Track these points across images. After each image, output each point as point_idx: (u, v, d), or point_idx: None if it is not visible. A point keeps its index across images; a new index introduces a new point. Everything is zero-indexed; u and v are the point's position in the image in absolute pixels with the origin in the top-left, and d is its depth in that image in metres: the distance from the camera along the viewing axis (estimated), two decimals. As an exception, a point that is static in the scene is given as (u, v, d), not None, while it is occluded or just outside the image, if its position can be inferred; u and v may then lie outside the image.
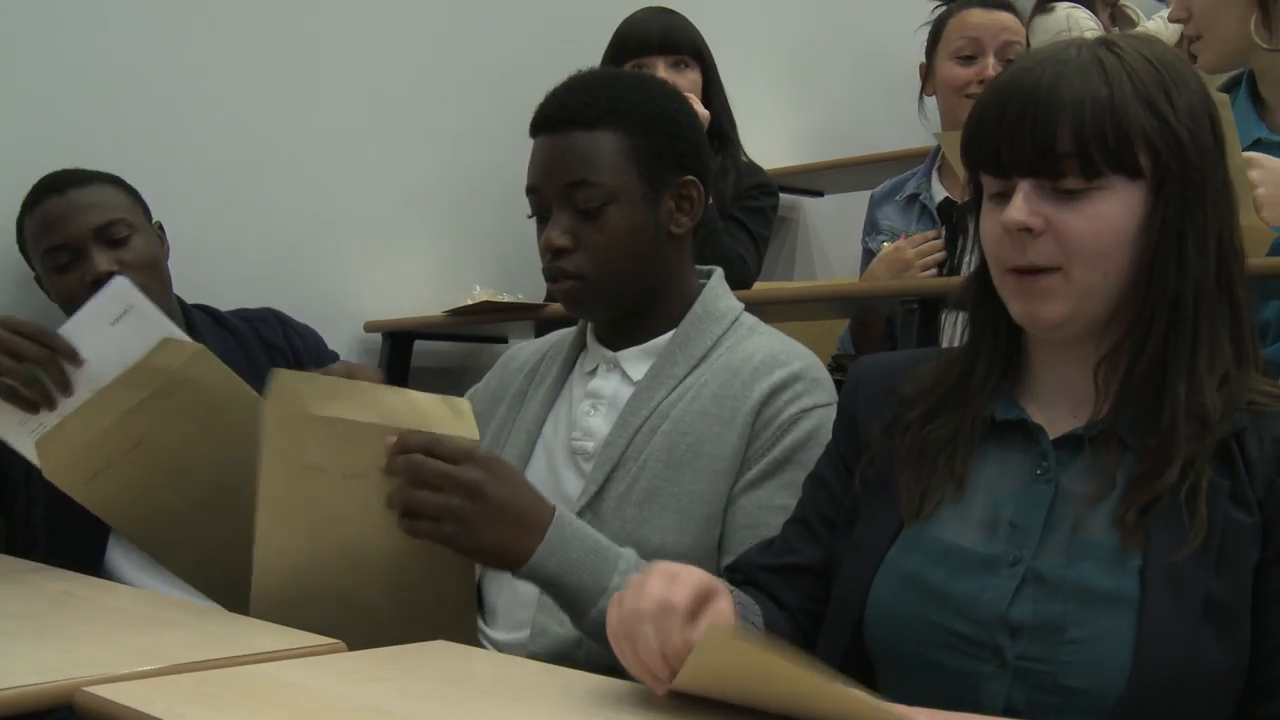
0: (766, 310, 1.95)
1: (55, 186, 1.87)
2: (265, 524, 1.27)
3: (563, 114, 1.38)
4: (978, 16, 2.41)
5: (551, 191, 1.38)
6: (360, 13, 2.58)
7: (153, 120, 2.28)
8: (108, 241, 1.82)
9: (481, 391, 1.58)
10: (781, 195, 3.28)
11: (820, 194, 3.35)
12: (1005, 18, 2.42)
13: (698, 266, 1.49)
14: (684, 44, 2.43)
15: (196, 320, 1.94)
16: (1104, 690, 0.90)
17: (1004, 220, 0.98)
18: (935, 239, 2.24)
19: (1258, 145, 1.70)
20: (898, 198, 2.49)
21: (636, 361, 1.42)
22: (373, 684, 0.94)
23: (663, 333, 1.43)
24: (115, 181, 1.92)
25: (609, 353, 1.44)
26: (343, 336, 2.47)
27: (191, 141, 2.33)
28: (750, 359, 1.36)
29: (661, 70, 2.39)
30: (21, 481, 1.80)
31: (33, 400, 1.44)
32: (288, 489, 1.26)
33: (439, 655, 1.05)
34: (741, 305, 1.47)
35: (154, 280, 1.84)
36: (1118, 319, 1.00)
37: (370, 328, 2.58)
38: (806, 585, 1.12)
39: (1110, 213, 0.97)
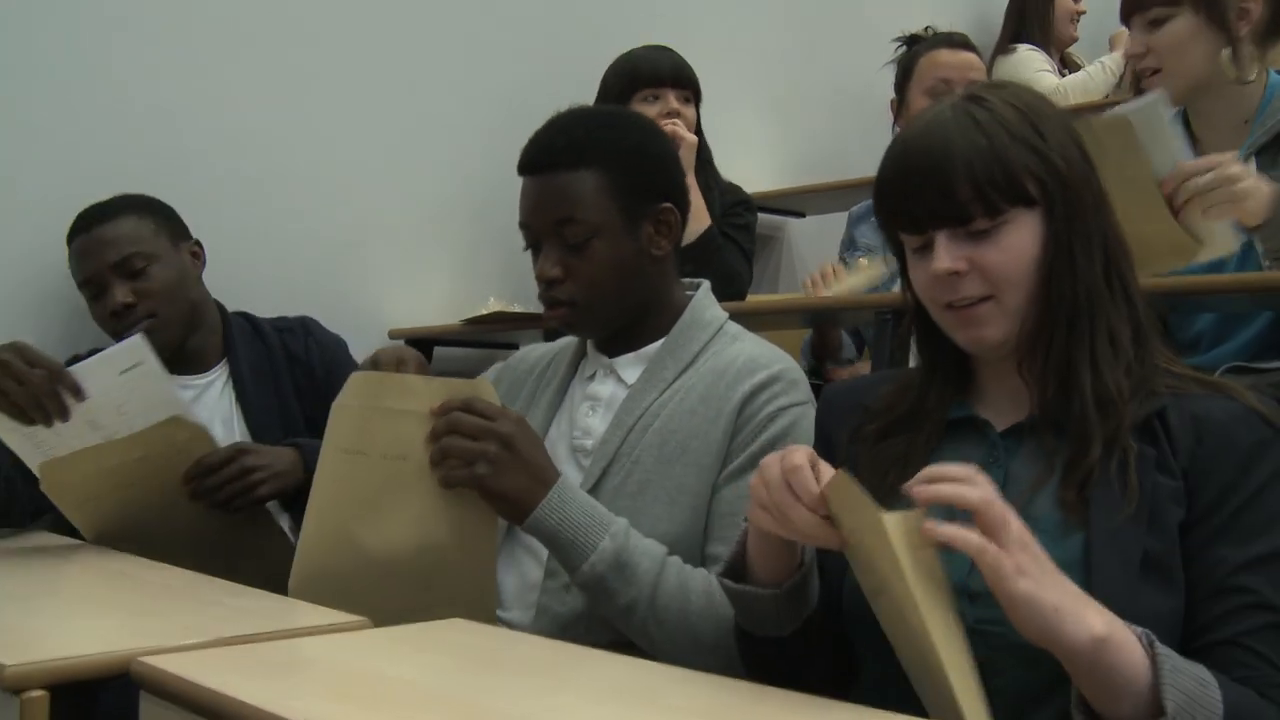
0: (754, 320, 1.96)
1: (83, 225, 1.86)
2: (310, 508, 1.32)
3: (546, 157, 1.39)
4: (946, 56, 2.45)
5: (541, 228, 1.39)
6: (388, 45, 2.59)
7: (201, 143, 2.29)
8: (126, 274, 1.82)
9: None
10: (767, 216, 3.31)
11: (802, 215, 3.37)
12: (970, 57, 2.46)
13: (684, 280, 1.51)
14: (691, 80, 2.48)
15: (235, 329, 1.94)
16: None
17: (933, 271, 1.03)
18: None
19: None
20: (874, 218, 2.51)
21: (630, 367, 1.44)
22: (399, 659, 0.95)
23: (654, 340, 1.44)
24: (141, 210, 1.88)
25: (606, 359, 1.46)
26: (369, 342, 2.45)
27: (236, 164, 2.34)
28: (734, 363, 1.38)
29: (673, 100, 2.42)
30: None
31: (31, 418, 1.48)
32: (334, 473, 1.31)
33: (458, 632, 1.06)
34: (726, 315, 1.48)
35: (172, 307, 1.84)
36: (1029, 325, 1.04)
37: (394, 335, 2.59)
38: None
39: (1020, 240, 1.01)
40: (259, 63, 2.41)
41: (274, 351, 1.93)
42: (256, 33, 2.41)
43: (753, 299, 2.58)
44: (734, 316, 1.50)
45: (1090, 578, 0.93)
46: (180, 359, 1.87)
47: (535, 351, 1.61)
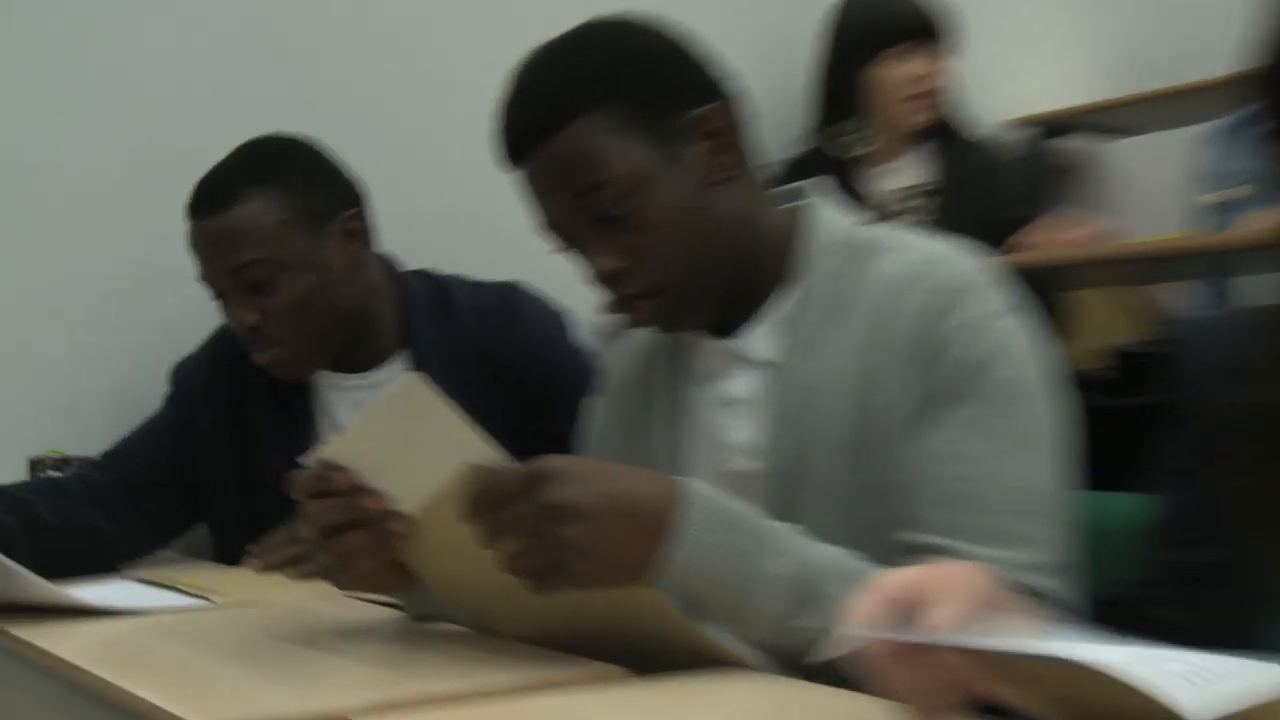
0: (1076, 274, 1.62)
1: (196, 205, 1.49)
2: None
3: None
4: None
5: None
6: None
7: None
8: (246, 286, 1.46)
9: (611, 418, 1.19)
10: (1074, 139, 2.89)
11: (1127, 133, 2.88)
12: None
13: (776, 190, 1.11)
14: (944, 30, 2.21)
15: (416, 312, 1.56)
16: None
17: None
18: None
19: None
20: (1235, 133, 2.06)
21: (765, 340, 1.06)
22: (672, 717, 0.79)
23: (769, 292, 1.07)
24: (270, 186, 1.47)
25: (726, 344, 1.08)
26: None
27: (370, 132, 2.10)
28: (901, 276, 1.01)
29: (922, 63, 2.18)
30: (212, 492, 1.62)
31: None
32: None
33: (737, 683, 0.87)
34: (860, 220, 1.10)
35: (307, 328, 1.48)
36: None
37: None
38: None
39: None
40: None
41: (468, 344, 1.53)
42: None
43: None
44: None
45: None
46: (339, 360, 1.55)
47: (622, 352, 1.20)
